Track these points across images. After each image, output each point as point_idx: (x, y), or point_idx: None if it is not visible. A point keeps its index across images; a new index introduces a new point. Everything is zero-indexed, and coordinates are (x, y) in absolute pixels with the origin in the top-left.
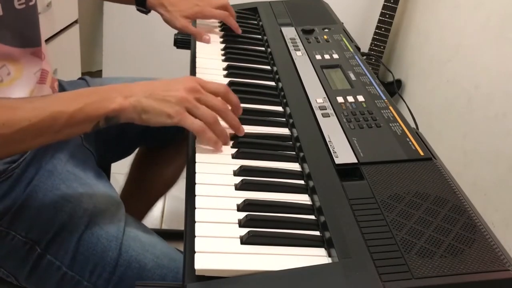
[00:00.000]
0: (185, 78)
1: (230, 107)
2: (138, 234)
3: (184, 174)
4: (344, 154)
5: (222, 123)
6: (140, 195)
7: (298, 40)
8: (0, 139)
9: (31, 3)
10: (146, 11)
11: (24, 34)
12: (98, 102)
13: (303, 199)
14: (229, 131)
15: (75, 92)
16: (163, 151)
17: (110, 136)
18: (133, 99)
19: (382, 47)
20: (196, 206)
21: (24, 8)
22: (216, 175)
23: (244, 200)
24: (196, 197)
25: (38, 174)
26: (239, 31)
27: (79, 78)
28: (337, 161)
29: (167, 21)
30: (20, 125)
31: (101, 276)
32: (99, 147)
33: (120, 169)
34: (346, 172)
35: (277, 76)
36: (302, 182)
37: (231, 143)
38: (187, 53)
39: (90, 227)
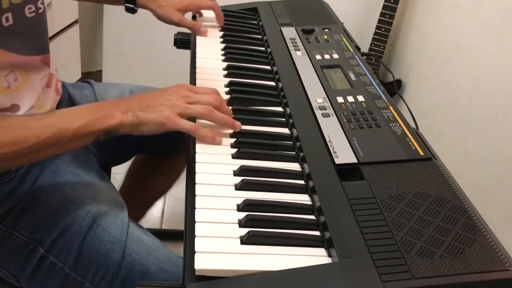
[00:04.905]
0: (175, 87)
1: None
2: (141, 237)
3: (184, 174)
4: (344, 154)
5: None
6: (132, 203)
7: (298, 40)
8: (11, 154)
9: (40, 11)
10: (134, 10)
11: (33, 42)
12: (99, 118)
13: (303, 199)
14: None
15: (78, 108)
16: (160, 160)
17: (111, 140)
18: (130, 114)
19: (382, 47)
20: (196, 206)
21: (34, 16)
22: (216, 175)
23: (244, 200)
24: (196, 197)
25: (42, 175)
26: (222, 22)
27: (83, 81)
28: (337, 161)
29: (160, 16)
30: (30, 142)
31: (104, 279)
32: (100, 149)
33: (120, 169)
34: (346, 172)
35: (277, 76)
36: (302, 182)
37: (232, 140)
38: (187, 53)
39: (94, 228)
